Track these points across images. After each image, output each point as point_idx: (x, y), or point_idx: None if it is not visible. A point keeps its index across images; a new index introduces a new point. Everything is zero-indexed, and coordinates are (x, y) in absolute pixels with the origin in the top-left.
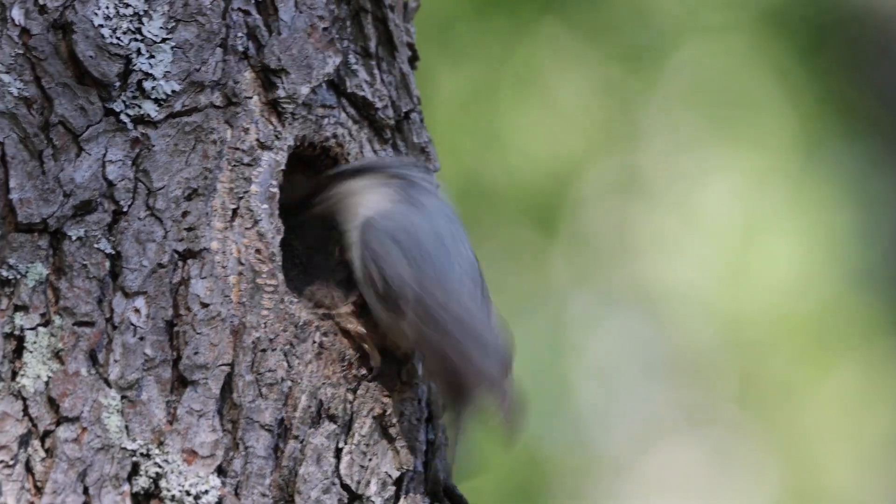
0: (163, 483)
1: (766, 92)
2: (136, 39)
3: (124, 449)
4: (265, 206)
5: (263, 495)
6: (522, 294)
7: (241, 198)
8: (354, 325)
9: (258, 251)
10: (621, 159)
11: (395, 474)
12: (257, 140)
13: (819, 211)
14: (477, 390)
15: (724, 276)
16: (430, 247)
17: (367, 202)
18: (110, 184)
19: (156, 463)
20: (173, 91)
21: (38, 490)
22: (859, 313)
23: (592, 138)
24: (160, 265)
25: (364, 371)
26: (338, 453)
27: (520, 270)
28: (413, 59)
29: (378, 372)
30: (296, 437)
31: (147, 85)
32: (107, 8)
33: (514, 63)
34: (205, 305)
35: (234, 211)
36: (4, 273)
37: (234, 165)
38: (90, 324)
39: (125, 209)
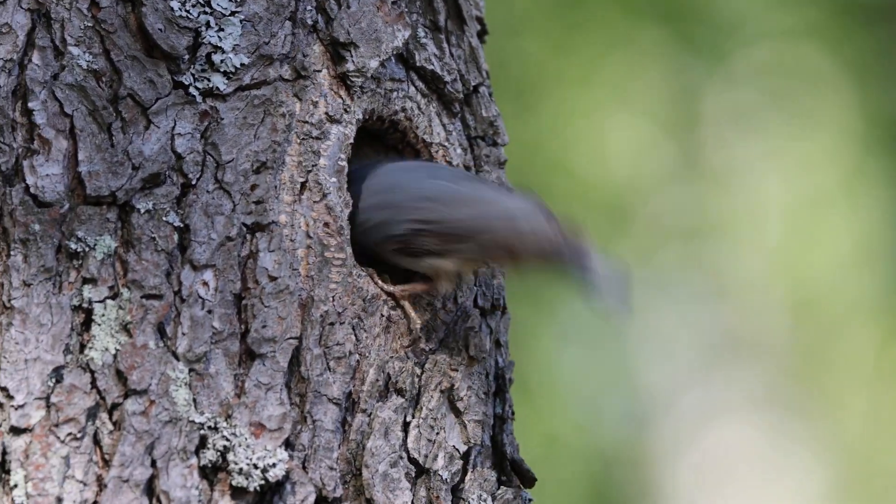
0: (230, 456)
1: (828, 72)
2: (205, 12)
3: (192, 422)
4: (333, 179)
5: (331, 469)
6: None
7: (309, 171)
8: (387, 287)
9: (326, 224)
10: (685, 143)
11: (463, 448)
12: (326, 113)
13: (879, 190)
14: (546, 245)
15: (786, 257)
16: (392, 178)
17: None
18: (179, 157)
19: (223, 436)
20: (242, 64)
21: (106, 463)
22: None
23: (659, 124)
24: (228, 238)
25: (432, 345)
26: (405, 427)
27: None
28: (482, 33)
29: (420, 334)
30: (363, 411)
31: (216, 58)
32: None
33: (576, 46)
34: (273, 279)
35: (303, 184)
36: (73, 246)
37: (303, 139)
38: (158, 297)
39: (193, 182)
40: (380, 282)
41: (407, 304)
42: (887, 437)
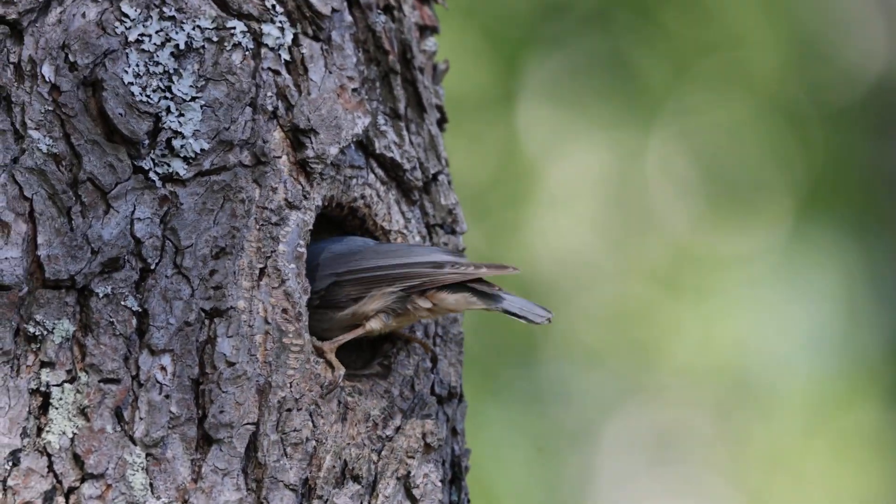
0: None
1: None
2: (165, 97)
3: None
4: (292, 265)
5: None
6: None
7: (268, 257)
8: (315, 342)
9: (285, 311)
10: (624, 242)
11: None
12: (285, 199)
13: (806, 287)
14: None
15: (714, 345)
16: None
17: None
18: (138, 241)
19: None
20: (202, 149)
21: None
22: (844, 385)
23: (598, 225)
24: (187, 323)
25: (389, 432)
26: None
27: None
28: (442, 121)
29: (339, 380)
30: (320, 497)
31: (176, 143)
32: (137, 66)
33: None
34: (231, 364)
35: (262, 270)
36: (31, 329)
37: (262, 225)
38: (116, 381)
39: (153, 267)
40: (311, 337)
41: (331, 356)
42: None
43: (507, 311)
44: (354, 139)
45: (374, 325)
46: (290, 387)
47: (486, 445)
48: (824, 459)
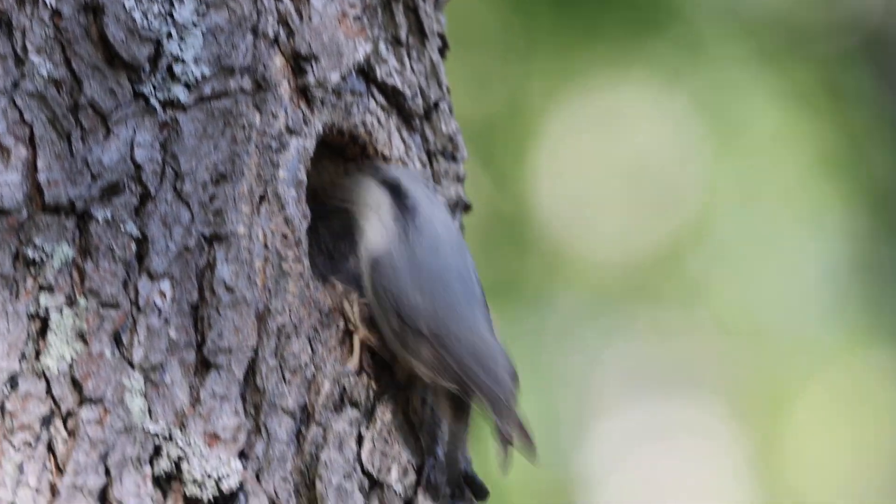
0: (184, 466)
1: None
2: (167, 23)
3: (147, 431)
4: (292, 191)
5: (285, 480)
6: None
7: (268, 183)
8: (362, 332)
9: (284, 236)
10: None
11: (417, 462)
12: (286, 126)
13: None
14: (488, 415)
15: (718, 284)
16: (440, 280)
17: (372, 238)
18: (138, 166)
19: (178, 446)
20: (203, 75)
21: (60, 470)
22: (844, 325)
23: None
24: (186, 248)
25: (388, 358)
26: (360, 440)
27: None
28: (443, 49)
29: (351, 371)
30: (318, 423)
31: (177, 69)
32: None
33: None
34: (230, 290)
35: (262, 196)
36: (31, 254)
37: (263, 150)
38: (115, 306)
39: (152, 192)
40: (355, 309)
41: (357, 345)
42: (815, 461)
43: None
44: (356, 66)
45: (421, 371)
46: (289, 312)
47: None
48: (827, 399)
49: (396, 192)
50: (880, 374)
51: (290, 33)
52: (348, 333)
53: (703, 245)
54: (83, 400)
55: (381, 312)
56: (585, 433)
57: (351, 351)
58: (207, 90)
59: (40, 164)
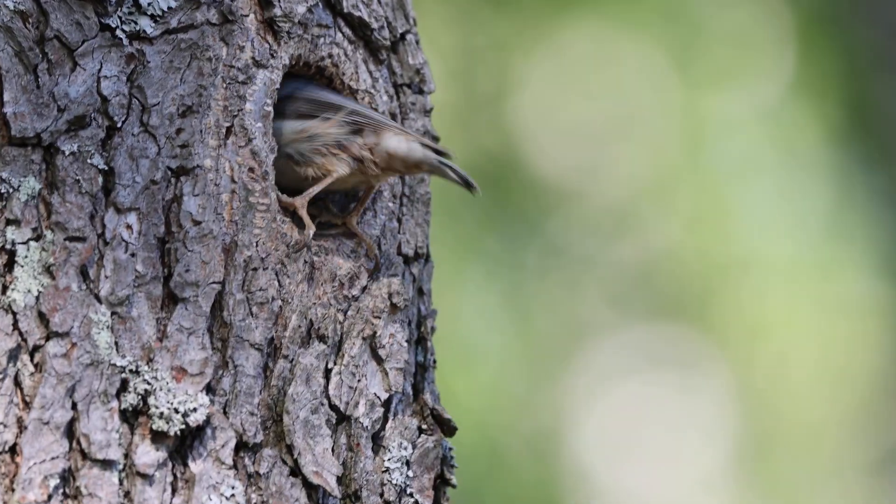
0: (151, 400)
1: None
2: None
3: (113, 365)
4: (259, 124)
5: (252, 414)
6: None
7: (235, 116)
8: (297, 200)
9: (251, 170)
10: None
11: (384, 396)
12: (252, 58)
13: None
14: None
15: (699, 218)
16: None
17: None
18: (104, 99)
19: (145, 380)
20: (169, 7)
21: (27, 404)
22: (830, 257)
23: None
24: (153, 182)
25: (355, 292)
26: (327, 374)
27: None
28: None
29: (309, 240)
30: (285, 357)
31: (143, 1)
32: None
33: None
34: (197, 223)
35: (228, 129)
36: None
37: (229, 83)
38: (82, 239)
39: (119, 125)
40: (282, 195)
41: (303, 211)
42: (793, 390)
43: (453, 170)
44: None
45: (341, 168)
46: (256, 246)
47: (467, 306)
48: (809, 327)
49: None
50: (858, 302)
51: None
52: (292, 216)
53: (685, 178)
54: (50, 334)
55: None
56: (568, 362)
57: (302, 226)
58: (174, 22)
59: (6, 96)
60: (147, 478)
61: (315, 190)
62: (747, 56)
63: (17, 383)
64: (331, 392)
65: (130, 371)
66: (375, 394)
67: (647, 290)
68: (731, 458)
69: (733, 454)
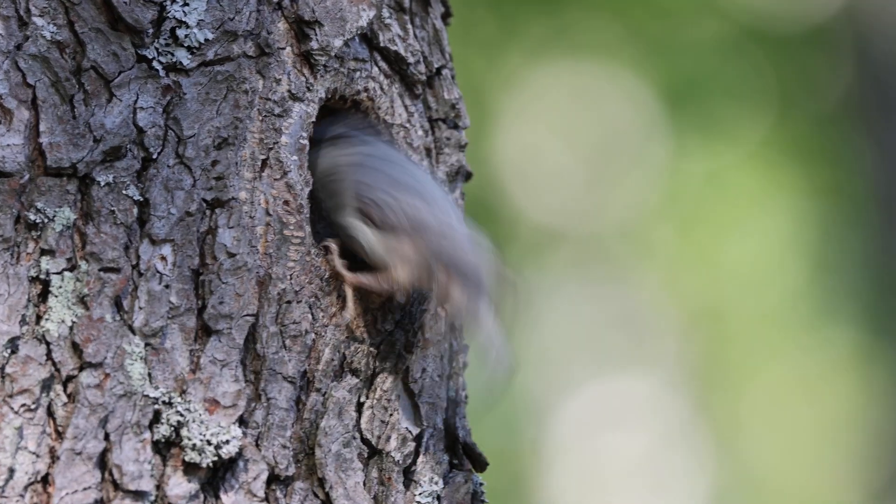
0: (184, 432)
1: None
2: None
3: (146, 396)
4: (295, 157)
5: (284, 447)
6: None
7: (270, 148)
8: (349, 277)
9: (286, 203)
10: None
11: (416, 430)
12: (289, 91)
13: (786, 201)
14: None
15: (684, 266)
16: (406, 171)
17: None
18: (140, 130)
19: (177, 411)
20: (206, 39)
21: (59, 435)
22: (810, 307)
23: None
24: (188, 213)
25: (388, 326)
26: (359, 407)
27: None
28: (446, 16)
29: (347, 321)
30: (318, 390)
31: (180, 33)
32: None
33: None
34: (231, 255)
35: (264, 161)
36: (32, 217)
37: (265, 116)
38: (116, 270)
39: (154, 156)
40: (335, 259)
41: (350, 291)
42: (771, 443)
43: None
44: (359, 32)
45: (403, 274)
46: (290, 279)
47: None
48: (789, 377)
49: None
50: (838, 356)
51: None
52: (338, 287)
53: (665, 222)
54: (83, 364)
55: (360, 212)
56: (545, 410)
57: (344, 303)
58: (210, 55)
59: (43, 126)
60: None
61: (369, 283)
62: (730, 106)
63: (50, 413)
64: (363, 426)
65: (163, 402)
66: (407, 428)
67: (623, 336)
68: None
69: None
